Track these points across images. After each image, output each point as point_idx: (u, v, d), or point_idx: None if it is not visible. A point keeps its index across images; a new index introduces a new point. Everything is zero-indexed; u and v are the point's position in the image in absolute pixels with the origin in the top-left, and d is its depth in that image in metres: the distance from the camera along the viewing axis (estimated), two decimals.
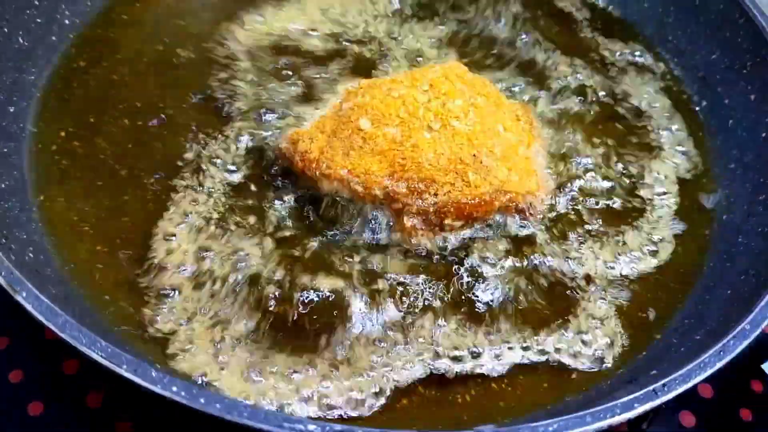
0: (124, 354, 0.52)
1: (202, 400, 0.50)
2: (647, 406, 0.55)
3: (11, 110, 0.79)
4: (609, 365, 0.69)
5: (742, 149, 0.85)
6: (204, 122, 0.83)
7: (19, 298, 0.54)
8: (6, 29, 0.81)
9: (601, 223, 0.79)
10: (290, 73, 0.90)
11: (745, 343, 0.59)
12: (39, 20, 0.86)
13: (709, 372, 0.57)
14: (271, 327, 0.67)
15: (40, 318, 0.53)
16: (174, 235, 0.72)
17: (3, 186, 0.72)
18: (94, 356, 0.52)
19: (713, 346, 0.59)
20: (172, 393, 0.50)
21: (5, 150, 0.76)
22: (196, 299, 0.68)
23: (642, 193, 0.83)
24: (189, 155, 0.80)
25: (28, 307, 0.54)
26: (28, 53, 0.84)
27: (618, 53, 0.99)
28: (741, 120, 0.87)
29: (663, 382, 0.56)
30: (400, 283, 0.71)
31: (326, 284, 0.69)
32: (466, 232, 0.76)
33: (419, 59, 0.94)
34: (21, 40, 0.83)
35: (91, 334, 0.52)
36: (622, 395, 0.55)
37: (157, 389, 0.50)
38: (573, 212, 0.80)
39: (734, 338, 0.60)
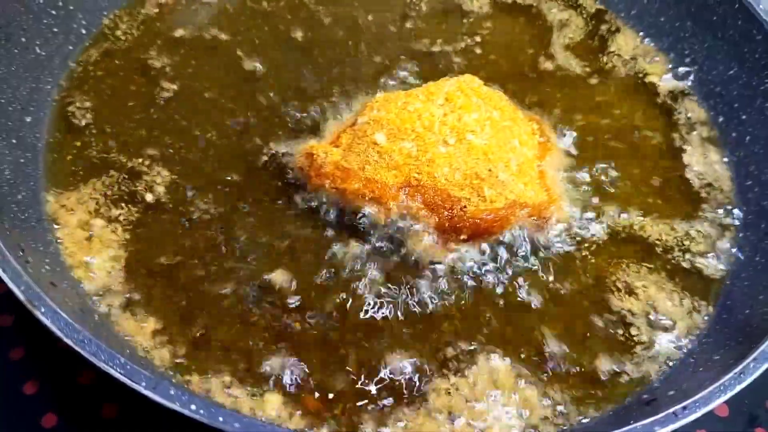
0: (142, 371, 0.51)
1: (220, 419, 0.50)
2: (667, 429, 0.54)
3: (28, 120, 0.79)
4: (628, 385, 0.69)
5: (760, 166, 0.84)
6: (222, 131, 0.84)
7: (37, 314, 0.54)
8: (23, 39, 0.81)
9: (617, 240, 0.79)
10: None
11: (766, 365, 0.59)
12: (56, 30, 0.86)
13: (730, 394, 0.57)
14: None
15: (59, 334, 0.53)
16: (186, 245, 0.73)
17: (19, 197, 0.72)
18: (113, 373, 0.51)
19: (733, 368, 0.59)
20: (191, 411, 0.50)
21: (21, 161, 0.76)
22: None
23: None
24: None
25: (47, 322, 0.54)
26: (45, 63, 0.84)
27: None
28: (758, 136, 0.86)
29: (684, 404, 0.55)
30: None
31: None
32: (481, 247, 0.75)
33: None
34: (38, 50, 0.83)
35: (109, 351, 0.52)
36: (640, 417, 0.55)
37: (176, 407, 0.50)
38: (589, 228, 0.79)
39: (755, 360, 0.59)
